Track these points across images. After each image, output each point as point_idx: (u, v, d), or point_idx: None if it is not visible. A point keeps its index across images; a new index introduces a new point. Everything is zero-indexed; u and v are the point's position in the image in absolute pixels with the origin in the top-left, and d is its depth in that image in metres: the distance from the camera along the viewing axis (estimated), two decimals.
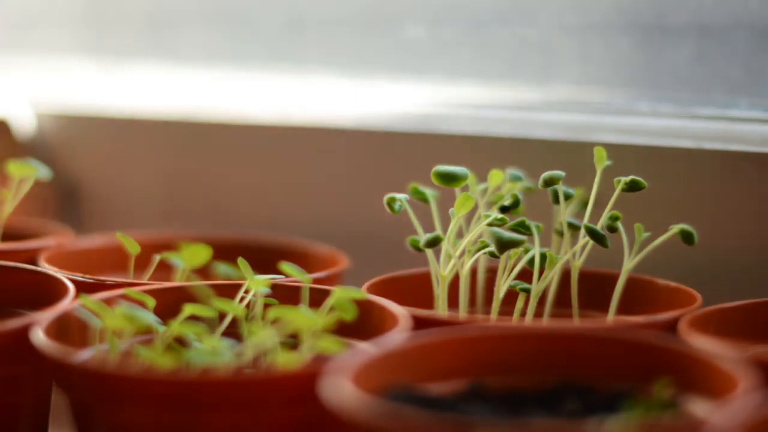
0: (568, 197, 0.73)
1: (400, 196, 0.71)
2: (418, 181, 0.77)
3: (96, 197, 1.06)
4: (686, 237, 0.71)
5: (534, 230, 0.70)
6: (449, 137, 0.87)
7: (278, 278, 0.68)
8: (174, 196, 1.02)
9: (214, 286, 0.68)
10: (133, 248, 0.77)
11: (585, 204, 0.77)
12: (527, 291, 0.71)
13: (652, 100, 0.84)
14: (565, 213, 0.72)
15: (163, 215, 1.02)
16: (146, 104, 1.05)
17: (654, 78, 0.86)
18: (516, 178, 0.77)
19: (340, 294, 0.63)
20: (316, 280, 0.73)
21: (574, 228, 0.72)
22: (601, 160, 0.72)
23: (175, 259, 0.76)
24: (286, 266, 0.66)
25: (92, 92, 1.11)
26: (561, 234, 0.75)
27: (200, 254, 0.71)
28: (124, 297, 0.65)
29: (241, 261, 0.70)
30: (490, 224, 0.70)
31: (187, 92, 1.05)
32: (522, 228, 0.70)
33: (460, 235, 0.74)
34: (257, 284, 0.66)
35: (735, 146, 0.76)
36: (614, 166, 0.74)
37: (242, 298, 0.68)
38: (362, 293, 0.65)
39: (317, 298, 0.66)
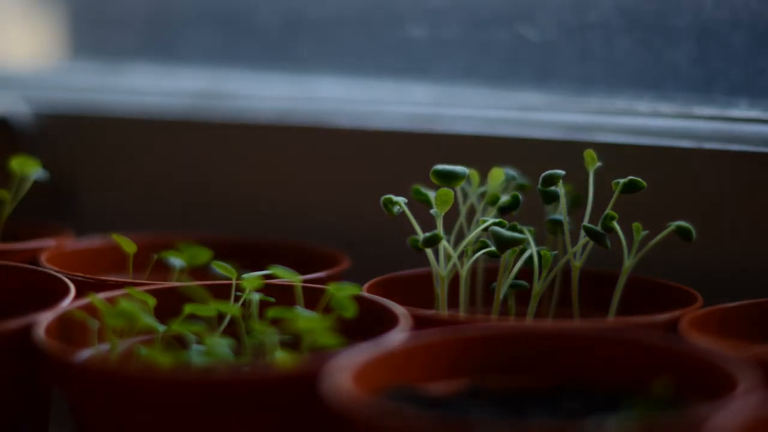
0: (561, 197, 0.73)
1: (398, 198, 0.71)
2: (418, 181, 0.77)
3: (96, 197, 1.06)
4: (683, 233, 0.70)
5: (527, 232, 0.70)
6: (449, 137, 0.87)
7: (267, 273, 0.68)
8: (174, 196, 1.02)
9: (212, 287, 0.68)
10: (130, 248, 0.77)
11: (576, 203, 0.77)
12: (527, 288, 0.71)
13: (652, 100, 0.84)
14: (565, 212, 0.72)
15: (163, 215, 1.02)
16: (146, 104, 1.05)
17: (654, 78, 0.86)
18: (510, 177, 0.77)
19: (333, 291, 0.63)
20: (316, 281, 0.73)
21: (560, 226, 0.72)
22: (592, 162, 0.72)
23: (173, 258, 0.76)
24: (275, 268, 0.66)
25: (92, 92, 1.11)
26: (553, 233, 0.75)
27: (201, 255, 0.71)
28: (125, 297, 0.65)
29: (217, 263, 0.70)
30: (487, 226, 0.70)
31: (187, 92, 1.05)
32: (514, 231, 0.70)
33: (462, 234, 0.74)
34: (250, 283, 0.66)
35: (735, 146, 0.76)
36: (614, 166, 0.74)
37: (237, 298, 0.68)
38: (357, 288, 0.65)
39: (317, 298, 0.66)
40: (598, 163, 0.72)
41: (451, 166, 0.72)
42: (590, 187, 0.72)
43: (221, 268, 0.69)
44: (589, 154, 0.72)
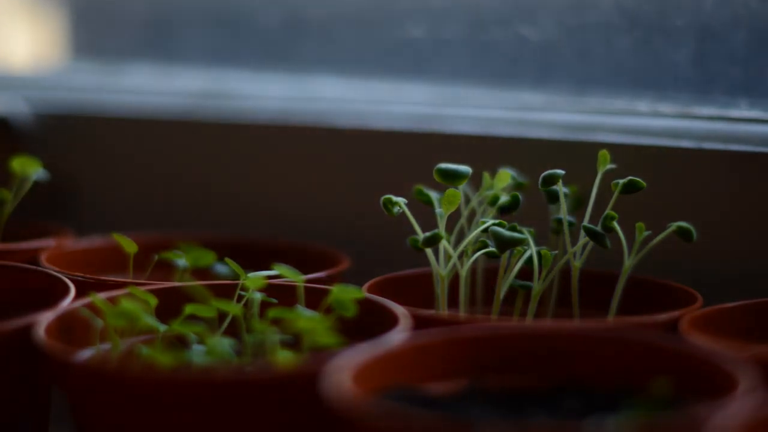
0: (565, 197, 0.73)
1: (398, 199, 0.71)
2: (418, 181, 0.77)
3: (96, 197, 1.06)
4: (684, 234, 0.70)
5: (526, 233, 0.70)
6: (449, 137, 0.87)
7: (272, 273, 0.68)
8: (174, 196, 1.02)
9: (213, 286, 0.68)
10: (131, 248, 0.77)
11: (580, 203, 0.77)
12: (528, 288, 0.71)
13: (652, 100, 0.84)
14: (565, 212, 0.72)
15: (163, 215, 1.02)
16: (146, 104, 1.05)
17: (654, 78, 0.86)
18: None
19: (337, 292, 0.63)
20: (317, 281, 0.73)
21: (570, 226, 0.72)
22: (604, 163, 0.72)
23: (177, 259, 0.76)
24: (279, 266, 0.66)
25: (92, 92, 1.11)
26: (557, 233, 0.75)
27: (204, 256, 0.71)
28: (126, 296, 0.65)
29: (229, 260, 0.70)
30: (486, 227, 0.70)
31: (187, 92, 1.05)
32: (514, 231, 0.70)
33: (462, 234, 0.74)
34: (253, 282, 0.66)
35: (735, 146, 0.76)
36: (614, 167, 0.74)
37: (240, 297, 0.68)
38: (360, 292, 0.65)
39: (317, 298, 0.66)
40: (611, 165, 0.72)
41: (455, 165, 0.72)
42: (595, 187, 0.72)
43: (233, 266, 0.70)
44: (603, 154, 0.72)
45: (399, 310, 0.65)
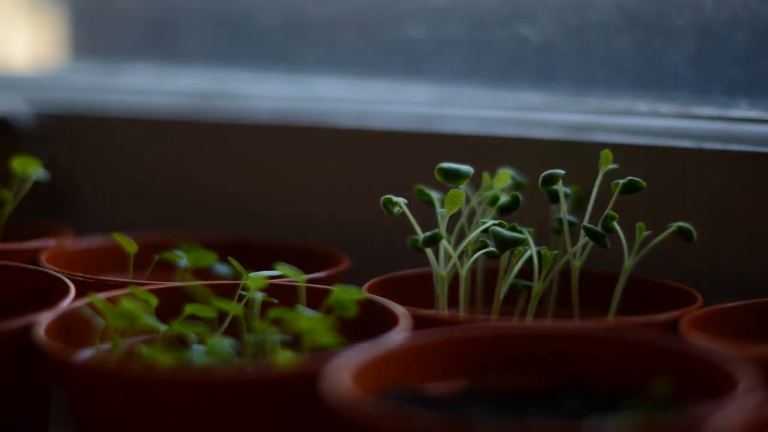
0: (566, 196, 0.73)
1: (398, 199, 0.71)
2: (418, 181, 0.77)
3: (96, 197, 1.06)
4: (684, 234, 0.71)
5: (526, 233, 0.70)
6: (449, 137, 0.88)
7: (274, 273, 0.68)
8: (174, 196, 1.02)
9: (214, 286, 0.68)
10: (131, 247, 0.77)
11: (580, 203, 0.77)
12: (528, 288, 0.71)
13: (652, 100, 0.84)
14: (565, 212, 0.72)
15: (163, 215, 1.02)
16: (147, 104, 1.05)
17: (654, 78, 0.86)
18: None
19: (339, 293, 0.63)
20: (317, 280, 0.73)
21: (571, 226, 0.72)
22: (606, 163, 0.72)
23: (178, 259, 0.76)
24: (281, 266, 0.66)
25: (92, 92, 1.11)
26: (558, 232, 0.75)
27: (206, 257, 0.71)
28: (126, 296, 0.65)
29: (232, 260, 0.71)
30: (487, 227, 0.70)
31: (187, 92, 1.05)
32: (514, 231, 0.70)
33: (462, 234, 0.74)
34: (254, 282, 0.66)
35: (735, 146, 0.76)
36: (616, 167, 0.74)
37: (241, 297, 0.68)
38: (362, 293, 0.65)
39: (317, 298, 0.66)
40: (613, 165, 0.72)
41: (456, 164, 0.72)
42: (596, 187, 0.72)
43: (236, 265, 0.70)
44: (606, 154, 0.72)
45: (399, 310, 0.65)
